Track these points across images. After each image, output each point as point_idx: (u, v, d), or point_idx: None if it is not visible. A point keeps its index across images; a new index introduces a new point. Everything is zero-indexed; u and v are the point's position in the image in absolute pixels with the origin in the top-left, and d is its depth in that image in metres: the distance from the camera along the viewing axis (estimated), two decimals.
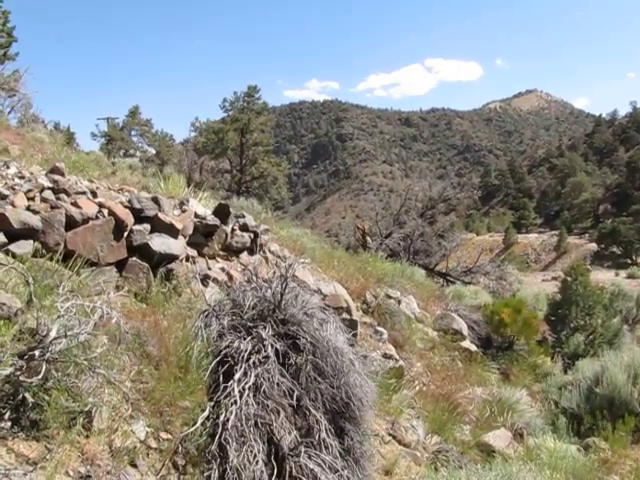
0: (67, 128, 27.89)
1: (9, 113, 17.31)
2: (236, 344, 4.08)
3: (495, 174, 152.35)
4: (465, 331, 10.15)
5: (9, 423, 2.93)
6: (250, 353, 3.99)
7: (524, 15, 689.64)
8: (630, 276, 49.98)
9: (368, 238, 19.71)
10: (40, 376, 2.80)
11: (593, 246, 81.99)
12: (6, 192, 4.39)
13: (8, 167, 4.99)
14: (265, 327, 4.22)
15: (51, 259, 4.06)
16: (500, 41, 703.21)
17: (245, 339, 4.11)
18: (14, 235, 4.21)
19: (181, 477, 3.47)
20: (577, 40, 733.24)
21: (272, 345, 4.08)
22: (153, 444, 3.49)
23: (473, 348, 9.91)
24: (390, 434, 5.83)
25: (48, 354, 2.88)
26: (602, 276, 43.74)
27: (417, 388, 7.38)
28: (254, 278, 4.81)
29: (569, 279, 15.70)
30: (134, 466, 3.27)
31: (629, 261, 71.55)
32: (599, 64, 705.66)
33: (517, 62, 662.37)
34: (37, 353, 2.84)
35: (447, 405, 6.99)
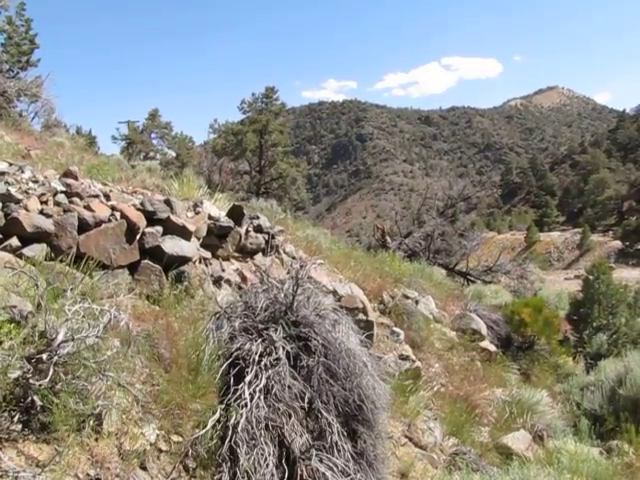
0: (89, 132, 28.19)
1: (33, 119, 17.62)
2: (247, 346, 4.06)
3: (516, 172, 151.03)
4: (484, 331, 10.02)
5: (19, 425, 2.94)
6: (261, 355, 3.97)
7: (541, 11, 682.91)
8: None
9: (388, 238, 19.60)
10: (47, 379, 2.80)
11: (617, 244, 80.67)
12: (20, 196, 4.41)
13: (23, 171, 5.02)
14: (276, 329, 4.19)
15: (62, 261, 4.08)
16: (518, 37, 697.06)
17: (256, 341, 4.09)
18: (28, 239, 4.24)
19: None
20: (597, 34, 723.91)
21: (283, 347, 4.05)
22: (163, 447, 3.48)
23: (492, 348, 9.78)
24: (406, 436, 5.76)
25: (56, 357, 2.88)
26: (627, 274, 43.16)
27: (435, 389, 7.28)
28: (266, 279, 4.78)
29: (591, 277, 15.45)
30: (144, 469, 3.27)
31: None
32: (621, 58, 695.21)
33: (536, 58, 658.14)
34: (45, 356, 2.84)
35: (465, 406, 6.90)
